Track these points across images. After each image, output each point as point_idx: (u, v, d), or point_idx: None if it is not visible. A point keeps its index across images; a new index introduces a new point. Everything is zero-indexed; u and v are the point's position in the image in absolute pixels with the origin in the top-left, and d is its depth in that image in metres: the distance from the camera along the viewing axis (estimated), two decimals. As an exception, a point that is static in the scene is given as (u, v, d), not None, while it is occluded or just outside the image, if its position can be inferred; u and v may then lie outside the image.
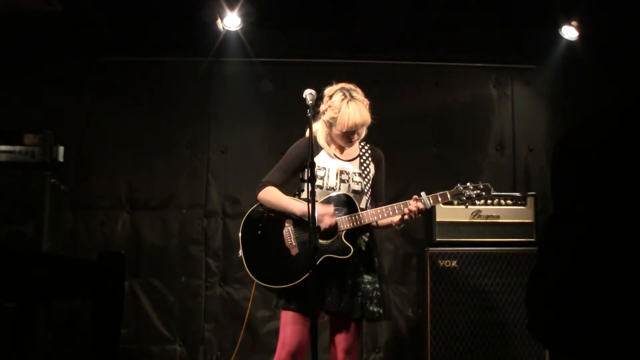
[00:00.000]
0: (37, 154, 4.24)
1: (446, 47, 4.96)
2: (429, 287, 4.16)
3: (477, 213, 4.24)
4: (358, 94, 3.06)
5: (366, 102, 3.06)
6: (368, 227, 3.12)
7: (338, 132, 3.05)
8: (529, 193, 4.36)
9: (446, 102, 5.01)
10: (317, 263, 2.89)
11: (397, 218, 3.04)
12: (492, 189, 3.12)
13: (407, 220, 3.01)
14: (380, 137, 4.76)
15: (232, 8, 4.31)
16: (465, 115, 5.01)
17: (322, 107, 3.09)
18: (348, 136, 3.05)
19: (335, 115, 3.01)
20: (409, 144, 4.93)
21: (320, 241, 2.95)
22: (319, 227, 2.88)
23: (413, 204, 2.97)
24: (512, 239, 4.25)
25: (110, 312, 1.43)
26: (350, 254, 2.97)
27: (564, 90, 4.92)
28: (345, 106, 2.98)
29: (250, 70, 4.87)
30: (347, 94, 3.02)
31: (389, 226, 3.16)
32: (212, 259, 4.77)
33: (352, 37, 4.86)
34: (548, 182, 1.39)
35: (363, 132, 3.11)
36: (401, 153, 4.85)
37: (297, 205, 3.01)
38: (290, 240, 3.02)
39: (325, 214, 2.94)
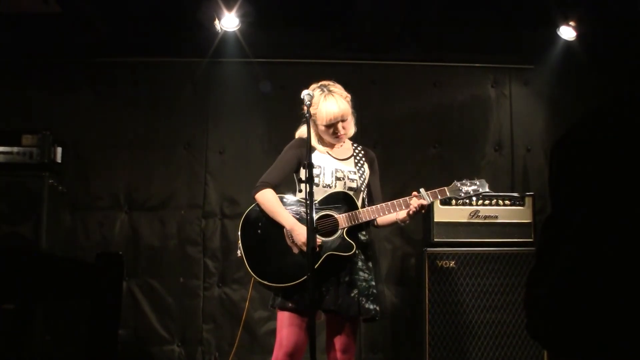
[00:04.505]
0: (35, 155, 4.24)
1: (444, 47, 4.97)
2: (427, 288, 4.16)
3: (475, 213, 4.24)
4: (336, 87, 3.13)
5: (345, 95, 3.12)
6: (367, 225, 3.14)
7: (322, 127, 3.10)
8: (527, 193, 4.35)
9: (444, 102, 5.01)
10: (320, 261, 2.91)
11: (402, 215, 3.06)
12: (488, 184, 3.18)
13: (411, 215, 3.03)
14: (378, 137, 4.79)
15: (230, 9, 4.31)
16: (464, 115, 5.01)
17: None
18: (332, 130, 3.09)
19: (315, 111, 3.06)
20: (407, 144, 4.93)
21: (323, 239, 2.98)
22: (316, 228, 2.90)
23: (416, 200, 2.99)
24: (510, 240, 4.24)
25: (108, 312, 1.42)
26: (353, 251, 2.98)
27: (562, 90, 4.92)
28: (322, 100, 3.06)
29: (249, 71, 4.87)
30: (324, 89, 3.10)
31: (392, 224, 3.19)
32: (210, 259, 4.77)
33: (351, 38, 4.87)
34: (546, 182, 1.38)
35: (349, 127, 3.15)
36: (399, 153, 4.85)
37: (287, 219, 3.04)
38: (292, 239, 3.03)
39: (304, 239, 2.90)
